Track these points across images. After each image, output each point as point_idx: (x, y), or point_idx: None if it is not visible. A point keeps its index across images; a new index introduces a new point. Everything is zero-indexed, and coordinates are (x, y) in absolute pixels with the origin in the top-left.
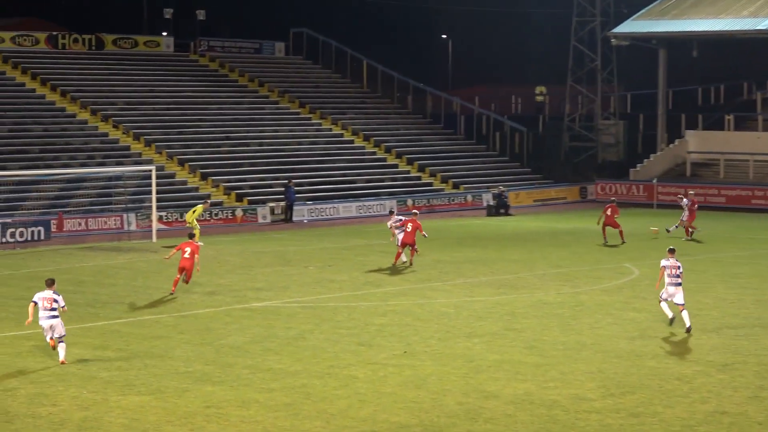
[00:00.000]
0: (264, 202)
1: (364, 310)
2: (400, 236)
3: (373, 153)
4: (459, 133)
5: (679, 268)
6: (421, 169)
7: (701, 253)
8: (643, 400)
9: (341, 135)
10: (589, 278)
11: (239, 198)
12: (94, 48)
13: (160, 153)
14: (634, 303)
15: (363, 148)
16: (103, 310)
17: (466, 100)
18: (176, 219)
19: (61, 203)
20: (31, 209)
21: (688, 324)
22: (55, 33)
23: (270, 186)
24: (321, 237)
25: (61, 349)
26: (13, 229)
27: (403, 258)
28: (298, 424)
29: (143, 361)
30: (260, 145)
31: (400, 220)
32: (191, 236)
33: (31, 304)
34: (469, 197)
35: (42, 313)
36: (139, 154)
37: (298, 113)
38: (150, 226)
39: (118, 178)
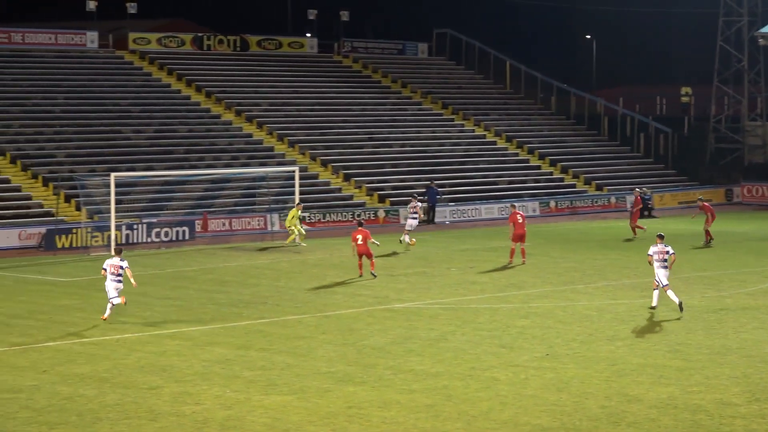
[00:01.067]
0: (406, 203)
1: (505, 311)
2: (413, 221)
3: (516, 154)
4: (603, 134)
5: (667, 252)
6: (564, 170)
7: None
8: None
9: (484, 136)
10: (734, 282)
11: (381, 199)
12: (238, 49)
13: (304, 154)
14: None
15: (506, 149)
16: (246, 309)
17: (610, 101)
18: (319, 220)
19: (205, 203)
20: (176, 209)
21: (677, 301)
22: (200, 34)
23: (412, 187)
24: (463, 238)
25: (108, 308)
26: (158, 229)
27: (407, 239)
28: (439, 426)
29: (286, 361)
30: (403, 146)
31: (417, 205)
32: (360, 224)
33: (102, 270)
34: (613, 199)
35: (110, 278)
36: (283, 155)
37: (440, 114)
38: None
39: (261, 178)
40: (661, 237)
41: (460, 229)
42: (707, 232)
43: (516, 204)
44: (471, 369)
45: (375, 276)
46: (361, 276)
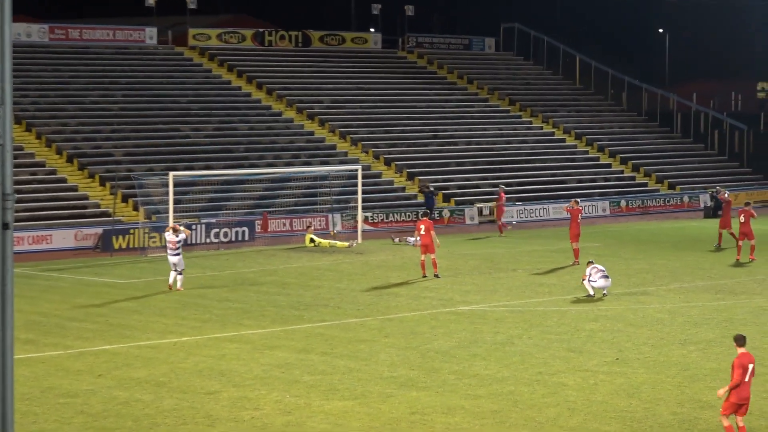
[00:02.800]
0: (471, 202)
1: (574, 314)
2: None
3: (585, 152)
4: (675, 131)
5: (603, 270)
6: (636, 168)
7: None
8: None
9: (552, 133)
10: None
11: (446, 198)
12: (300, 45)
13: (367, 152)
14: None
15: (575, 146)
16: (307, 312)
17: (683, 97)
18: (381, 220)
19: (265, 203)
20: (235, 209)
21: (591, 293)
22: (261, 30)
23: (478, 186)
24: (530, 239)
25: (179, 280)
26: (217, 230)
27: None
28: None
29: (347, 365)
30: (468, 144)
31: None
32: (426, 214)
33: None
34: (686, 198)
35: (169, 252)
36: (345, 154)
37: (507, 111)
38: (355, 227)
39: (323, 177)
40: (590, 263)
41: (527, 230)
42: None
43: (579, 200)
44: (538, 374)
45: (438, 277)
46: (424, 277)
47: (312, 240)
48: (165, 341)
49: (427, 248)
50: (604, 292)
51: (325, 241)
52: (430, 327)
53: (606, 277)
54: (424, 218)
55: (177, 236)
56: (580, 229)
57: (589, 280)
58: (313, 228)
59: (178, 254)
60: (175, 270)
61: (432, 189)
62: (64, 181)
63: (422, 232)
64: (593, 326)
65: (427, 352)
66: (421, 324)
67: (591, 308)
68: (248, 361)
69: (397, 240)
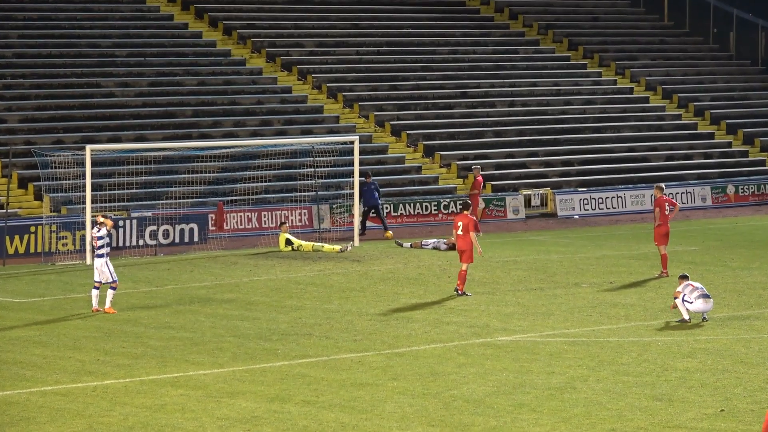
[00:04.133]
0: (515, 188)
1: (661, 347)
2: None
3: (677, 116)
4: None
5: (703, 288)
6: (748, 140)
7: None
8: None
9: (630, 90)
10: None
11: None
12: None
13: (366, 117)
14: None
15: (662, 108)
16: (282, 344)
17: None
18: (388, 213)
19: (222, 190)
20: (179, 198)
21: (687, 318)
22: None
23: (524, 165)
24: (598, 240)
25: (108, 296)
26: (154, 227)
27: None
28: None
29: (339, 419)
30: (511, 105)
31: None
32: (466, 206)
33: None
34: None
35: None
36: (336, 119)
37: (566, 58)
38: (351, 223)
39: (305, 153)
40: (685, 277)
41: (595, 227)
42: None
43: (664, 186)
44: (611, 431)
45: (467, 295)
46: (461, 293)
47: (289, 242)
48: (81, 385)
49: (463, 255)
50: (704, 316)
51: (307, 244)
52: (457, 365)
53: (706, 296)
54: (463, 213)
55: (98, 231)
56: (669, 226)
57: (683, 300)
58: (288, 225)
59: (100, 256)
60: (99, 282)
61: (369, 175)
62: None
63: (459, 233)
64: (688, 364)
65: (453, 401)
66: (444, 361)
67: (685, 339)
68: (199, 413)
69: (408, 245)
